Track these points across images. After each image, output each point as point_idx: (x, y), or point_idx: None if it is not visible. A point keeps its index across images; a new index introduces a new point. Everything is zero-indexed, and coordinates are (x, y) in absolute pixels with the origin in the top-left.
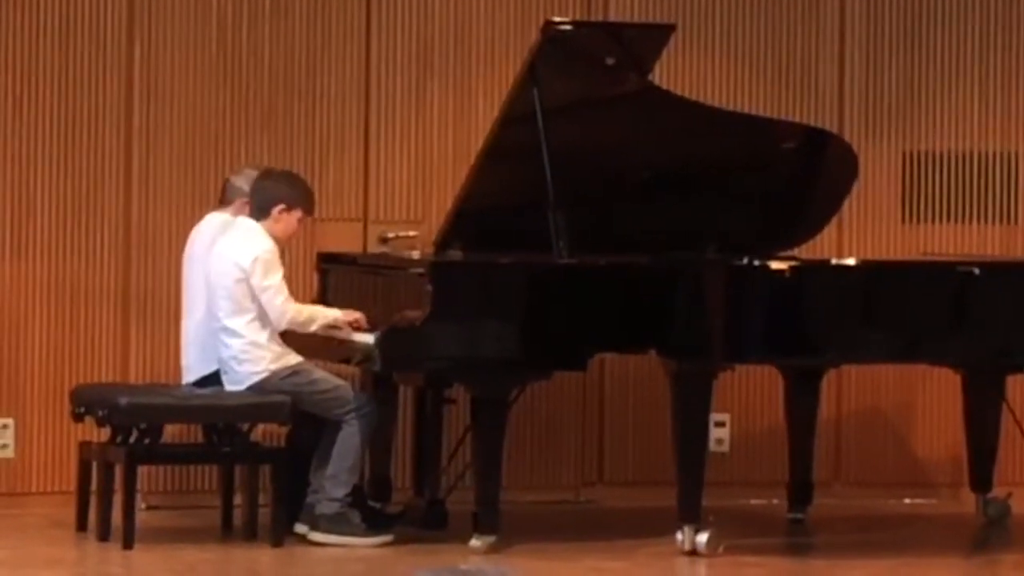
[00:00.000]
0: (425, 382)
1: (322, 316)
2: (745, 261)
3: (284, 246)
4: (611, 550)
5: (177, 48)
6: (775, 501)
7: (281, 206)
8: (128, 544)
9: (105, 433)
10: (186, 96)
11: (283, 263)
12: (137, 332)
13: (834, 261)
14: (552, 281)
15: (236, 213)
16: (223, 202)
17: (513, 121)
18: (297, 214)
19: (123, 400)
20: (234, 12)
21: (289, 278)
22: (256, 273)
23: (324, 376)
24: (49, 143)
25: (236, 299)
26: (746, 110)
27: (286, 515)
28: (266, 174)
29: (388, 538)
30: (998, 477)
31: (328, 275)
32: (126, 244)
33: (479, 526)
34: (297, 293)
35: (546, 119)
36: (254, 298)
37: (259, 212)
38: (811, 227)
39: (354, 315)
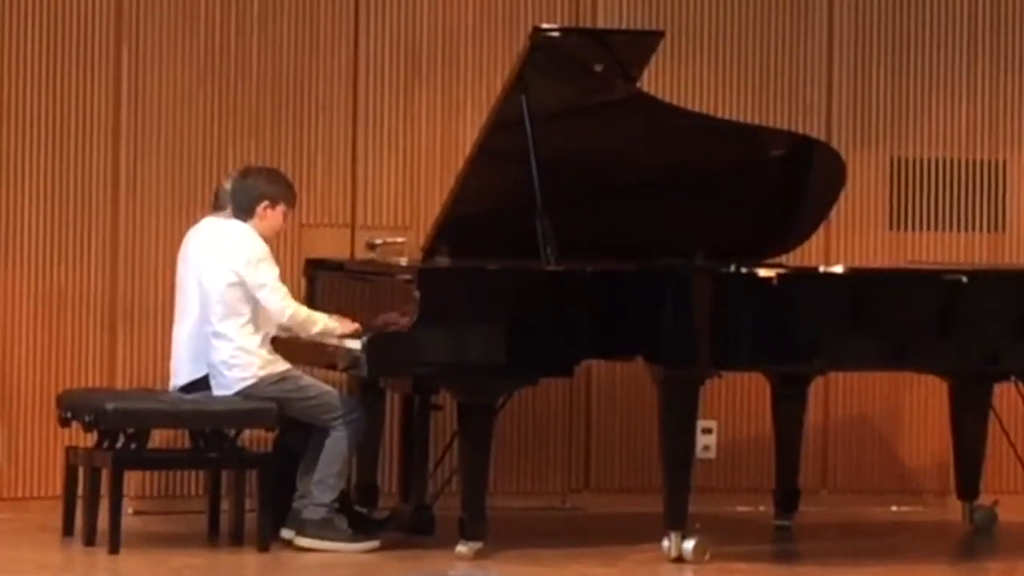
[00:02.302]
0: (412, 388)
1: (324, 323)
2: (733, 268)
3: (271, 244)
4: (597, 556)
5: (165, 55)
6: (762, 508)
7: (265, 203)
8: (114, 549)
9: (92, 438)
10: (174, 103)
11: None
12: (124, 337)
13: (822, 268)
14: (539, 287)
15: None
16: (216, 208)
17: (501, 127)
18: (281, 209)
19: (110, 405)
20: (222, 18)
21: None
22: (251, 273)
23: (312, 383)
24: (37, 149)
25: (228, 303)
26: (734, 117)
27: (273, 520)
28: (245, 173)
29: (375, 544)
30: (985, 485)
31: (316, 281)
32: (113, 250)
33: (466, 532)
34: None
35: (534, 125)
36: (247, 301)
37: (243, 212)
38: (799, 234)
39: (351, 328)
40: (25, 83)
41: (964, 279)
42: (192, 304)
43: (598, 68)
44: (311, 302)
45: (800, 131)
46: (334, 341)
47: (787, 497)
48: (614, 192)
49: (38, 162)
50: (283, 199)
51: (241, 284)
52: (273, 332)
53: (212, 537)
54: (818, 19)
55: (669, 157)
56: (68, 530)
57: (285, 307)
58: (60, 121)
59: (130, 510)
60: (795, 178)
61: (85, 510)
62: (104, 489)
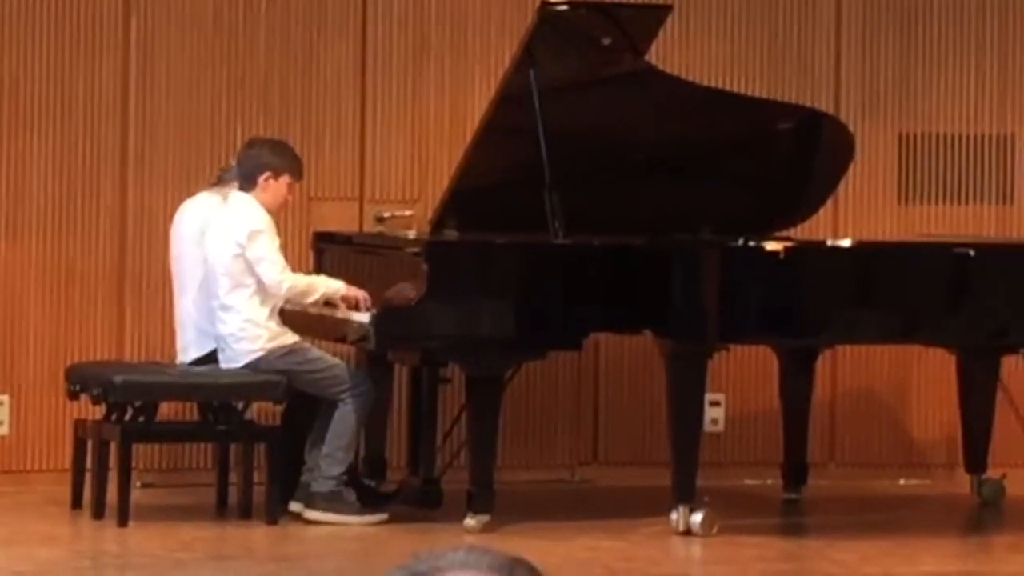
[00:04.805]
0: (420, 361)
1: (324, 286)
2: (740, 242)
3: (276, 215)
4: (606, 530)
5: (173, 28)
6: (770, 481)
7: (267, 174)
8: (123, 522)
9: (100, 411)
10: (182, 76)
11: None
12: (132, 310)
13: (830, 242)
14: (547, 261)
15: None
16: (217, 184)
17: (509, 101)
18: (285, 180)
19: (118, 378)
20: None
21: (284, 257)
22: (251, 245)
23: (320, 355)
24: (45, 123)
25: (234, 275)
26: (743, 91)
27: (281, 493)
28: (250, 143)
29: (383, 517)
30: (992, 458)
31: (324, 254)
32: (122, 223)
33: (473, 505)
34: (292, 272)
35: (542, 99)
36: (252, 272)
37: (245, 182)
38: (807, 208)
39: (356, 293)
40: (34, 57)
41: (972, 252)
42: (189, 281)
43: (606, 42)
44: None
45: (808, 105)
46: (341, 314)
47: (795, 470)
48: (622, 166)
49: (47, 136)
50: (287, 171)
51: (244, 255)
52: (280, 304)
53: (220, 510)
54: None
55: (677, 131)
56: (77, 503)
57: (282, 281)
58: (68, 95)
59: (138, 483)
60: (803, 152)
61: (94, 483)
62: (113, 462)
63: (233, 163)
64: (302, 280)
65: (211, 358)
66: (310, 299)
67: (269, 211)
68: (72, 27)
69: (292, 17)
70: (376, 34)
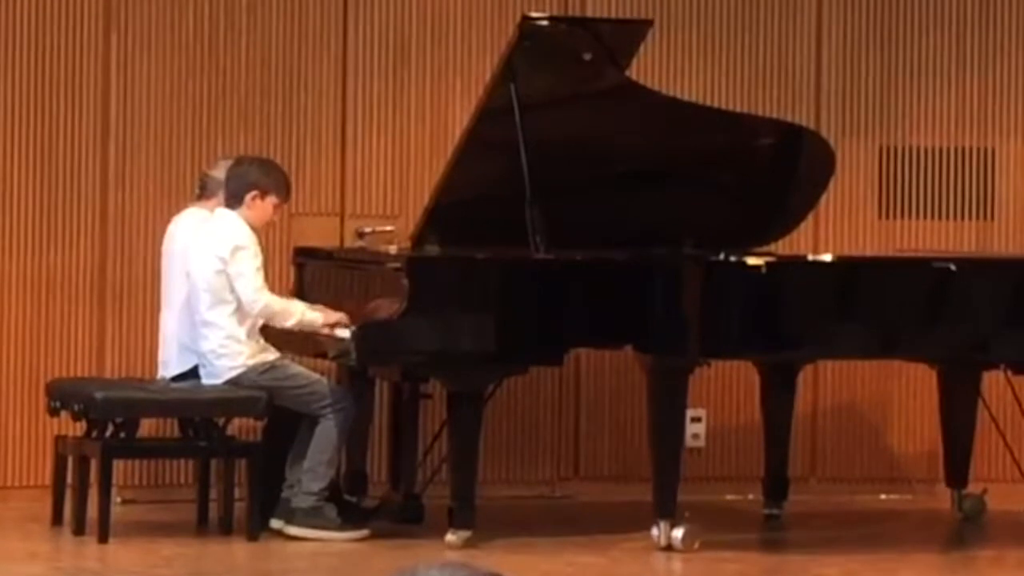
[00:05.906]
0: (401, 377)
1: (301, 313)
2: (721, 257)
3: (260, 234)
4: (587, 545)
5: (154, 41)
6: (751, 497)
7: (254, 192)
8: (104, 538)
9: (81, 427)
10: (163, 90)
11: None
12: (113, 326)
13: (810, 257)
14: (528, 276)
15: (217, 206)
16: (202, 196)
17: (490, 115)
18: (272, 200)
19: (99, 394)
20: (211, 5)
21: (265, 272)
22: (233, 260)
23: (301, 371)
24: (25, 136)
25: (215, 291)
26: (723, 106)
27: (262, 509)
28: (239, 161)
29: (364, 533)
30: (974, 473)
31: (304, 269)
32: (102, 237)
33: (455, 521)
34: (273, 287)
35: (523, 114)
36: (233, 289)
37: (232, 199)
38: (788, 223)
39: (334, 318)
40: (14, 70)
41: (953, 267)
42: (175, 296)
43: (587, 57)
44: (300, 291)
45: (789, 119)
46: (325, 330)
47: (776, 485)
48: (603, 180)
49: (27, 149)
50: (274, 190)
51: (226, 271)
52: (262, 321)
53: (201, 526)
54: (807, 7)
55: (657, 145)
56: (57, 519)
57: (257, 300)
58: (49, 108)
59: (119, 499)
60: (784, 166)
61: (74, 499)
62: (93, 478)
63: (210, 172)
64: (278, 303)
65: (193, 374)
66: (287, 323)
67: (253, 228)
68: (52, 41)
69: (273, 32)
70: (356, 49)
